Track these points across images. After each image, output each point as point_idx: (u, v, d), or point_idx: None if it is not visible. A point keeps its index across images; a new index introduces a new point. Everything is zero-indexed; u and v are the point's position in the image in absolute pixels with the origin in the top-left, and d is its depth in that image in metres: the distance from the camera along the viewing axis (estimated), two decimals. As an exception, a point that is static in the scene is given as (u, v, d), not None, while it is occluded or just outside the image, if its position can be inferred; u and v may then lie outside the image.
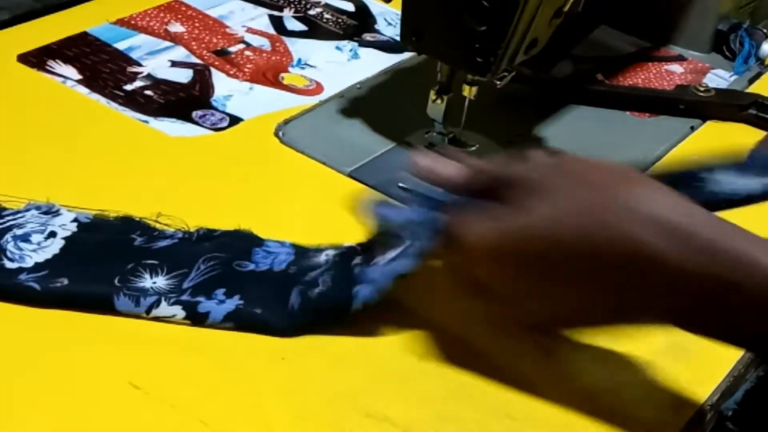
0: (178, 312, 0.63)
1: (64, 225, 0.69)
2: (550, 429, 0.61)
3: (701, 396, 0.64)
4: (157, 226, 0.70)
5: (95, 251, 0.67)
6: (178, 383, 0.60)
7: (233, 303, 0.64)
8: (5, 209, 0.70)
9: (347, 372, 0.63)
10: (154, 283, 0.65)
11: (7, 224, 0.69)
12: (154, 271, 0.66)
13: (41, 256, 0.66)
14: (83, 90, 0.87)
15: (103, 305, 0.64)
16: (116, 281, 0.65)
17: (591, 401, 0.63)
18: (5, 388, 0.59)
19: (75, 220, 0.70)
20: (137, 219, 0.70)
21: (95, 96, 0.86)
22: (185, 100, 0.88)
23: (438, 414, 0.61)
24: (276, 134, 0.85)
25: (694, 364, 0.66)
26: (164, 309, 0.63)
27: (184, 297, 0.64)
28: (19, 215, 0.70)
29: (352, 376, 0.63)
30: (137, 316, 0.64)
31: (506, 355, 0.65)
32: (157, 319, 0.64)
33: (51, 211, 0.70)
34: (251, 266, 0.68)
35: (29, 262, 0.65)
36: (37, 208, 0.70)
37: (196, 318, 0.64)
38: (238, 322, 0.64)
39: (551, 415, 0.62)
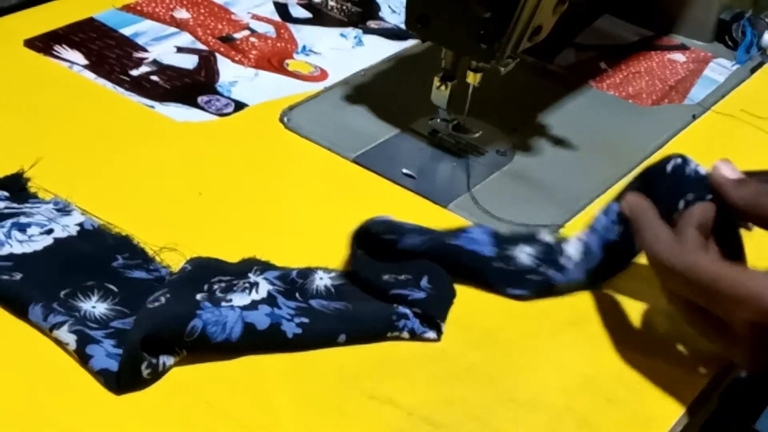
0: (71, 342, 0.59)
1: (66, 226, 0.69)
2: (552, 412, 0.61)
3: (702, 381, 0.65)
4: (156, 258, 0.68)
5: (75, 259, 0.66)
6: (183, 365, 0.61)
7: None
8: (34, 197, 0.71)
9: (351, 354, 0.63)
10: (93, 307, 0.62)
11: (20, 210, 0.69)
12: (105, 295, 0.64)
13: (21, 249, 0.66)
14: (89, 75, 0.87)
15: (20, 309, 0.62)
16: (62, 293, 0.63)
17: (592, 385, 0.63)
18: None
19: (80, 224, 0.69)
20: (134, 242, 0.68)
21: (101, 81, 0.87)
22: (191, 86, 0.88)
23: (442, 396, 0.61)
24: (281, 120, 0.85)
25: (697, 349, 0.67)
26: (63, 334, 0.60)
27: (84, 328, 0.60)
28: (37, 205, 0.70)
29: (356, 358, 0.63)
30: (42, 331, 0.61)
31: (511, 338, 0.66)
32: (55, 340, 0.60)
33: (65, 209, 0.70)
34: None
35: (4, 251, 0.65)
36: (56, 203, 0.70)
37: (82, 352, 0.59)
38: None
39: (554, 399, 0.62)
